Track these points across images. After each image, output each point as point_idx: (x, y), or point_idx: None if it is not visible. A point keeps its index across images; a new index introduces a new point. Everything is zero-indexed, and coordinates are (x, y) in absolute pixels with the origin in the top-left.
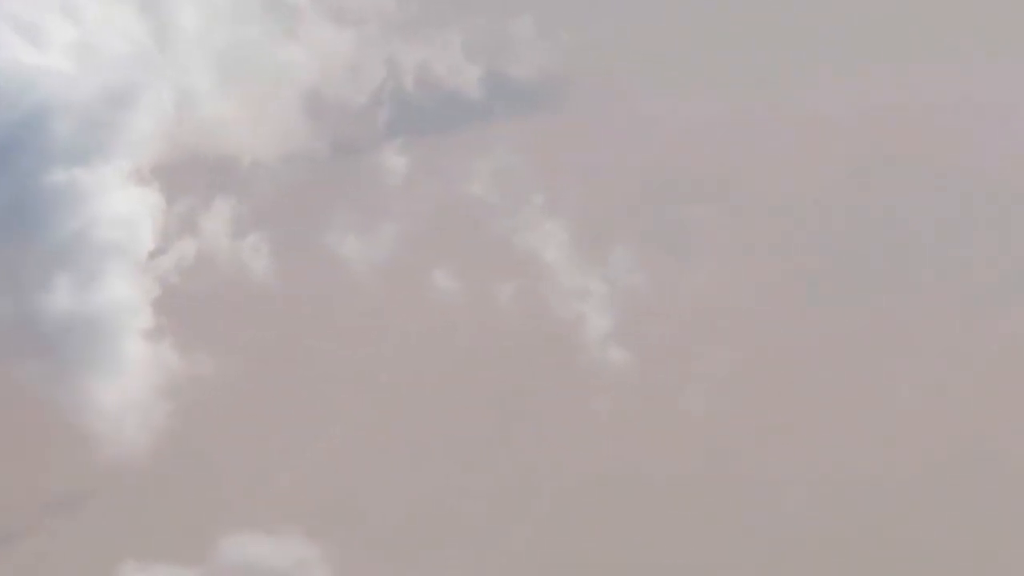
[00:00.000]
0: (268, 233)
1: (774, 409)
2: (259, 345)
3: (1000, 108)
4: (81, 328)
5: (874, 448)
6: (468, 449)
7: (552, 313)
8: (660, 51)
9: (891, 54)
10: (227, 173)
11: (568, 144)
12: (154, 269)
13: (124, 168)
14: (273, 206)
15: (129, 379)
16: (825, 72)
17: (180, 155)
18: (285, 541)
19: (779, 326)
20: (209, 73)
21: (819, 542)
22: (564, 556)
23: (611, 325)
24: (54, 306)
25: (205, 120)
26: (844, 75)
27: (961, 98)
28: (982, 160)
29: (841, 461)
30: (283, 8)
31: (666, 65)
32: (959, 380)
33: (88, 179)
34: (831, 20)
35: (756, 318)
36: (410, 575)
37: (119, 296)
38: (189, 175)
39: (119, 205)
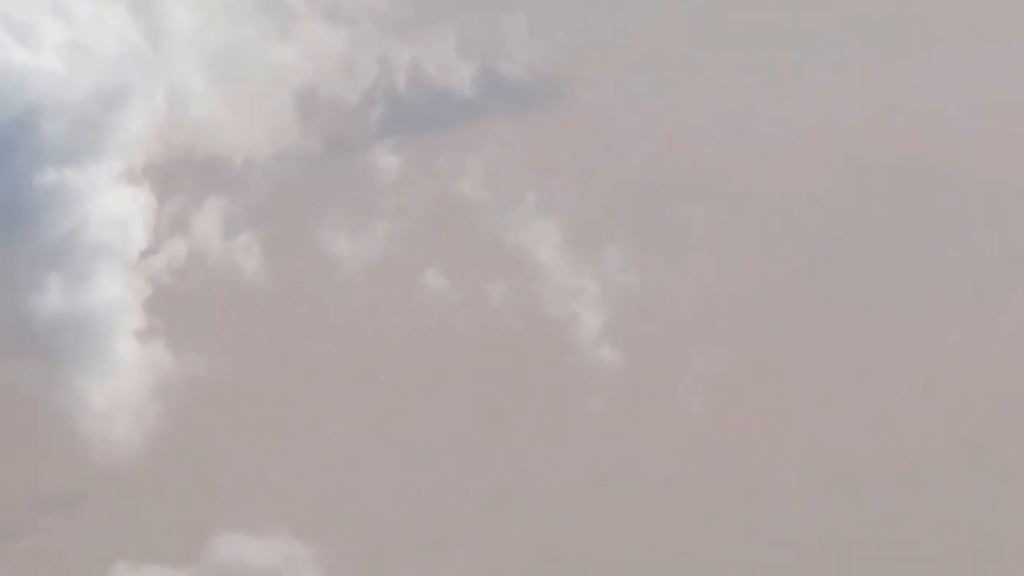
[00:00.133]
0: (260, 232)
1: (768, 409)
2: (251, 345)
3: (1000, 108)
4: (73, 328)
5: (871, 447)
6: (460, 448)
7: (545, 312)
8: (653, 49)
9: (891, 54)
10: (219, 172)
11: (561, 143)
12: (146, 269)
13: (116, 168)
14: (265, 205)
15: (121, 379)
16: (824, 72)
17: (172, 155)
18: (278, 541)
19: (773, 325)
20: (201, 73)
21: (815, 541)
22: (557, 555)
23: (604, 324)
24: (46, 306)
25: (197, 120)
26: (844, 75)
27: (961, 98)
28: (982, 160)
29: (838, 460)
30: (276, 7)
31: (660, 64)
32: (958, 379)
33: (80, 179)
34: (831, 20)
35: (749, 317)
36: (402, 575)
37: (111, 296)
38: (181, 175)
39: (111, 205)
